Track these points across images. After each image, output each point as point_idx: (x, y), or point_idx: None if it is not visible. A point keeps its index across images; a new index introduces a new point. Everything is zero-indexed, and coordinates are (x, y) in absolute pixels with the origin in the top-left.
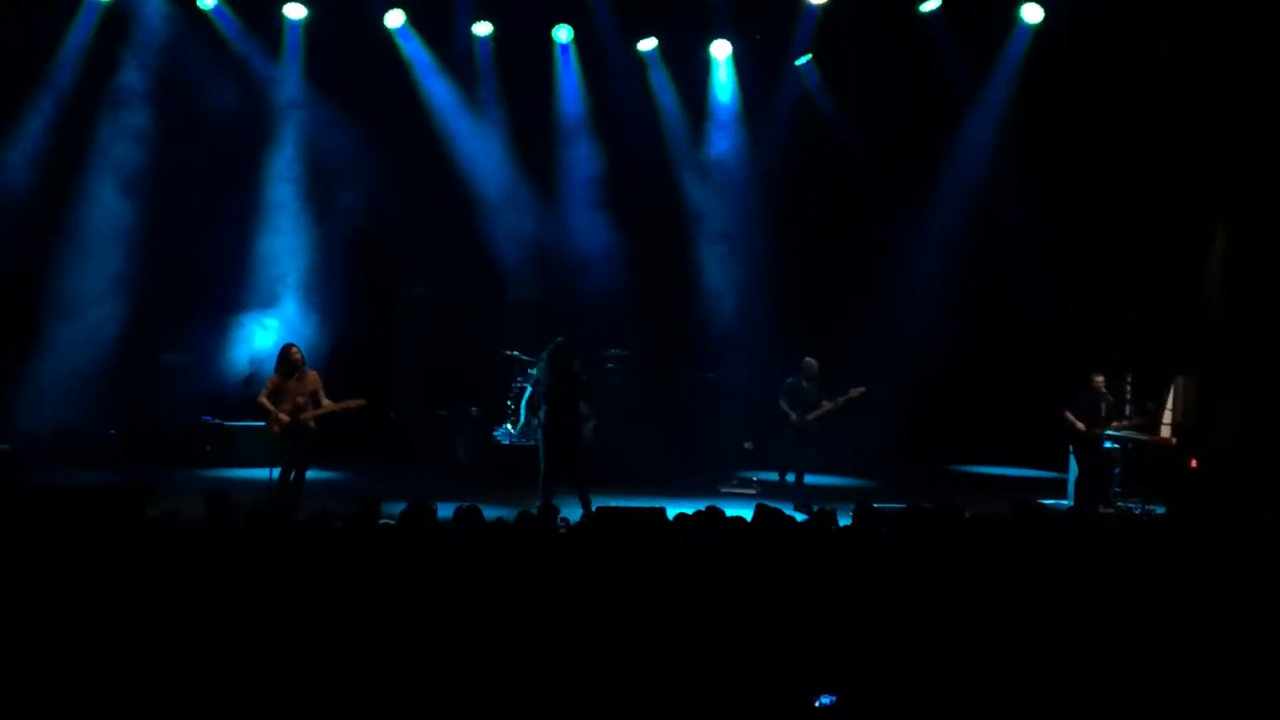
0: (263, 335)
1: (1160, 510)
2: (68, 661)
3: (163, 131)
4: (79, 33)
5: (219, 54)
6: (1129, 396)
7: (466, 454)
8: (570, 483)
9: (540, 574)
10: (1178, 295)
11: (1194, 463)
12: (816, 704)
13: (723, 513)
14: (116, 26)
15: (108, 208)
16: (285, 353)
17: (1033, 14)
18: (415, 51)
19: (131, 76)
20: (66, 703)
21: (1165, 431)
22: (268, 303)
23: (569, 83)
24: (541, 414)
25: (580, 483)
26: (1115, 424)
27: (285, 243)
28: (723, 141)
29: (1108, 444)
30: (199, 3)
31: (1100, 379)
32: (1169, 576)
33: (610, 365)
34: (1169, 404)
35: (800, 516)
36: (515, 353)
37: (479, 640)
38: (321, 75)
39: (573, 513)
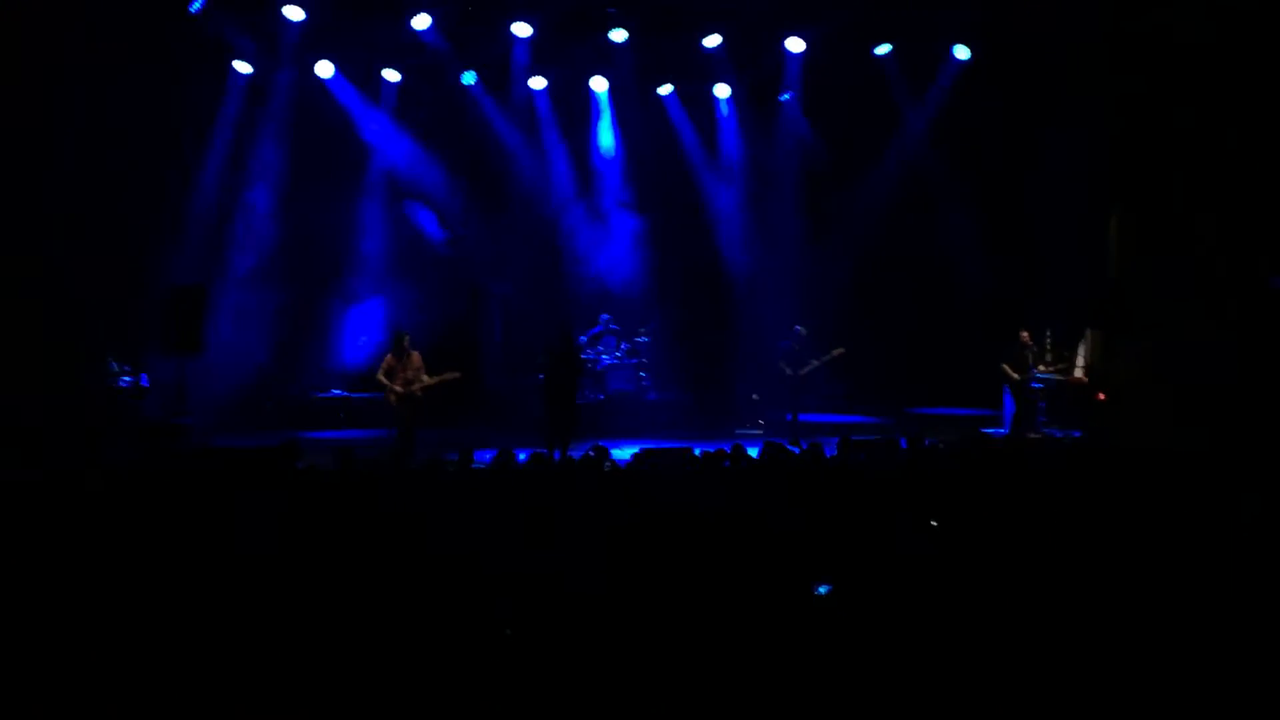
0: (374, 329)
1: (1076, 434)
2: (243, 579)
3: (299, 164)
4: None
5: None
6: (1049, 346)
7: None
8: (563, 430)
9: (593, 499)
10: (1085, 266)
11: (1101, 396)
12: (817, 592)
13: (739, 447)
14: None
15: (258, 227)
16: (398, 338)
17: (962, 53)
18: (486, 102)
19: (269, 129)
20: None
21: (1079, 373)
22: (381, 299)
23: (605, 121)
24: (545, 377)
25: (568, 430)
26: (1040, 368)
27: (393, 255)
28: (729, 160)
29: (1035, 384)
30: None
31: (1026, 334)
32: (1085, 484)
33: (645, 338)
34: (1081, 351)
35: (796, 450)
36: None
37: (556, 548)
38: (414, 123)
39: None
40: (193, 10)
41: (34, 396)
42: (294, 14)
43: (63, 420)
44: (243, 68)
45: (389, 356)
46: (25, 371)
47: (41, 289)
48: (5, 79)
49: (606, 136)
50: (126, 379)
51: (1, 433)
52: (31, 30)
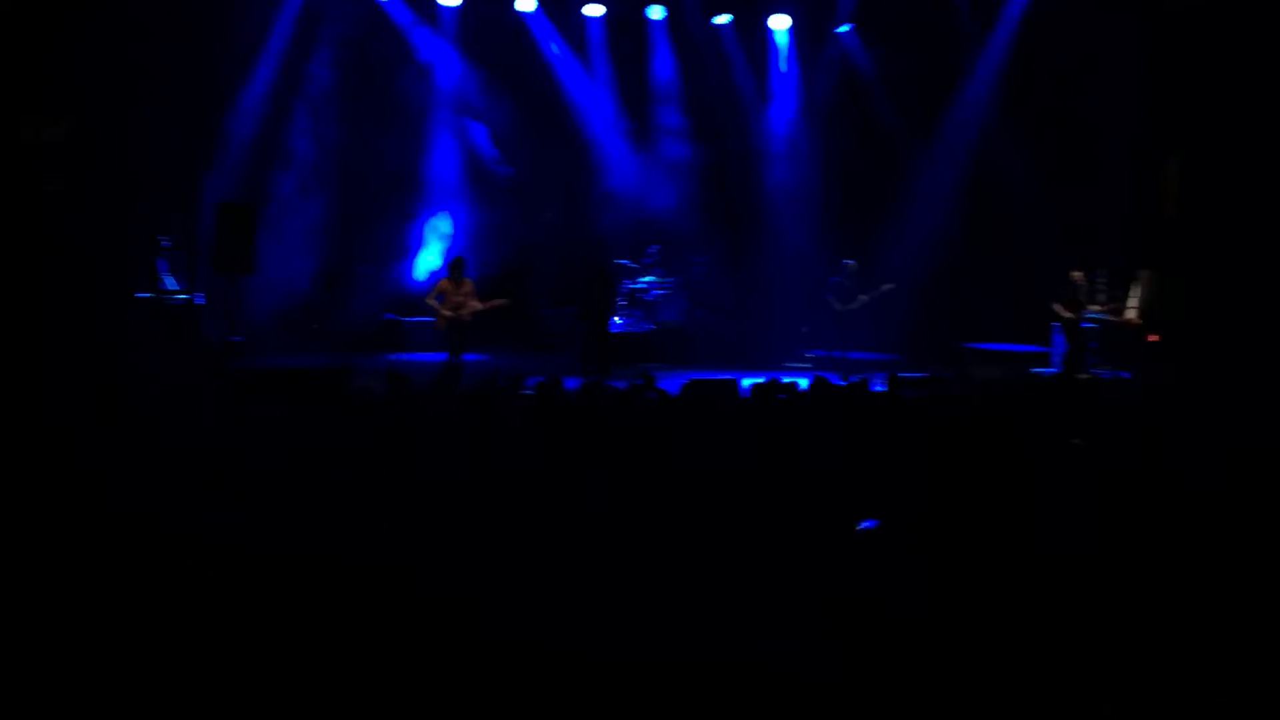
0: (429, 251)
1: (1126, 375)
2: (307, 488)
3: (354, 86)
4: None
5: (393, 38)
6: (1102, 286)
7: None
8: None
9: (644, 424)
10: (1141, 205)
11: (1153, 338)
12: (861, 527)
13: (784, 381)
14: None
15: (311, 150)
16: (455, 263)
17: None
18: (542, 29)
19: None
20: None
21: (1131, 314)
22: (436, 225)
23: (662, 51)
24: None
25: (606, 357)
26: (1091, 307)
27: (451, 181)
28: (783, 93)
29: (1085, 324)
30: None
31: (1078, 274)
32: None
33: (698, 269)
34: (1134, 292)
35: (844, 383)
36: (625, 261)
37: (608, 472)
38: (470, 47)
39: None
40: None
41: (88, 312)
42: None
43: (121, 335)
44: None
45: (442, 280)
46: (76, 287)
47: (93, 205)
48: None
49: (666, 67)
50: (181, 296)
51: (60, 350)
52: None
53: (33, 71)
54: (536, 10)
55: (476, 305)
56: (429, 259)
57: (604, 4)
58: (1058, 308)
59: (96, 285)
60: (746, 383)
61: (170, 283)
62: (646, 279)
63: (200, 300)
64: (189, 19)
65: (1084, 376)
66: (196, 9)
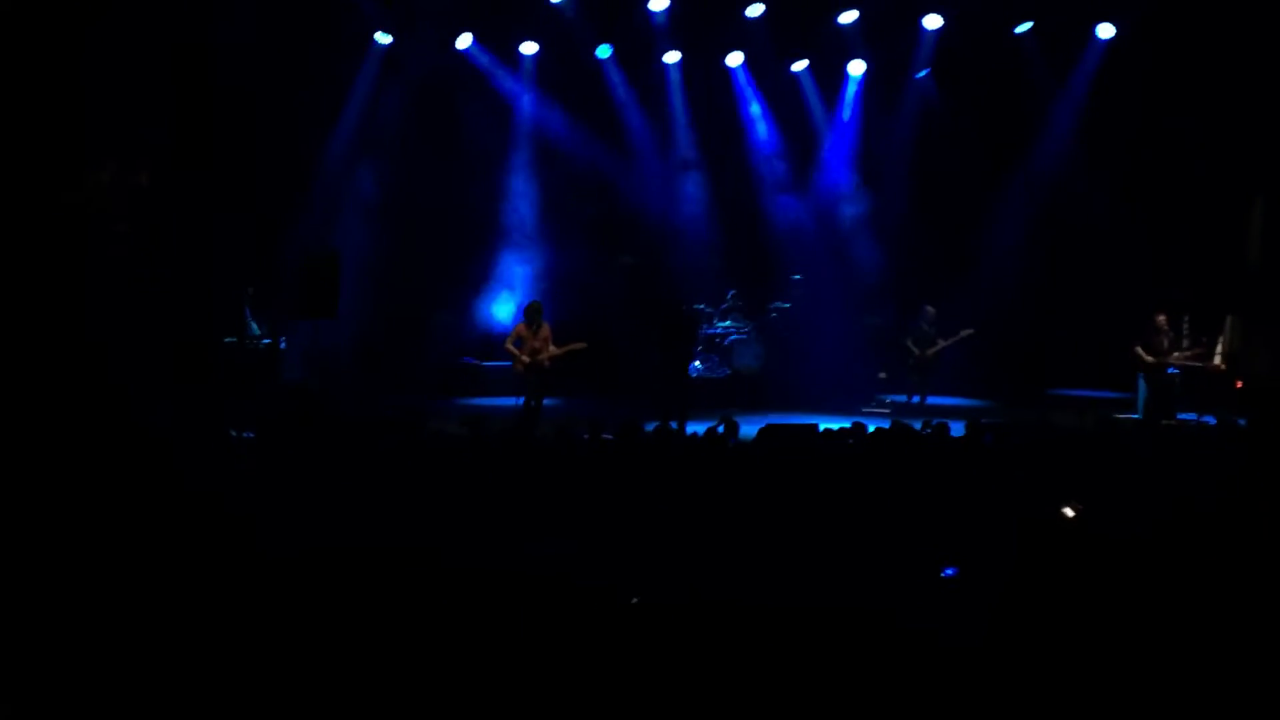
0: (506, 298)
1: (1212, 421)
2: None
3: (437, 132)
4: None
5: (473, 83)
6: (1186, 331)
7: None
8: (676, 402)
9: (723, 470)
10: (1226, 250)
11: (1239, 384)
12: (944, 574)
13: (865, 427)
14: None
15: (391, 195)
16: (532, 308)
17: (1106, 31)
18: (620, 75)
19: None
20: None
21: (1217, 360)
22: (514, 271)
23: (739, 96)
24: (661, 352)
25: (682, 402)
26: (1176, 355)
27: (529, 225)
28: (861, 137)
29: (1170, 370)
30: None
31: (1162, 318)
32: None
33: (775, 314)
34: (1219, 338)
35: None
36: (702, 305)
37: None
38: (550, 93)
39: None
40: None
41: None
42: None
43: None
44: (383, 38)
45: (519, 325)
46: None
47: (187, 254)
48: (154, 49)
49: (743, 112)
50: (266, 340)
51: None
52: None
53: (116, 118)
54: (612, 56)
55: (554, 350)
56: (506, 304)
57: (680, 50)
58: (1139, 351)
59: (184, 330)
60: (824, 427)
61: (255, 327)
62: (723, 324)
63: (283, 345)
64: (274, 66)
65: (1168, 423)
66: (282, 57)
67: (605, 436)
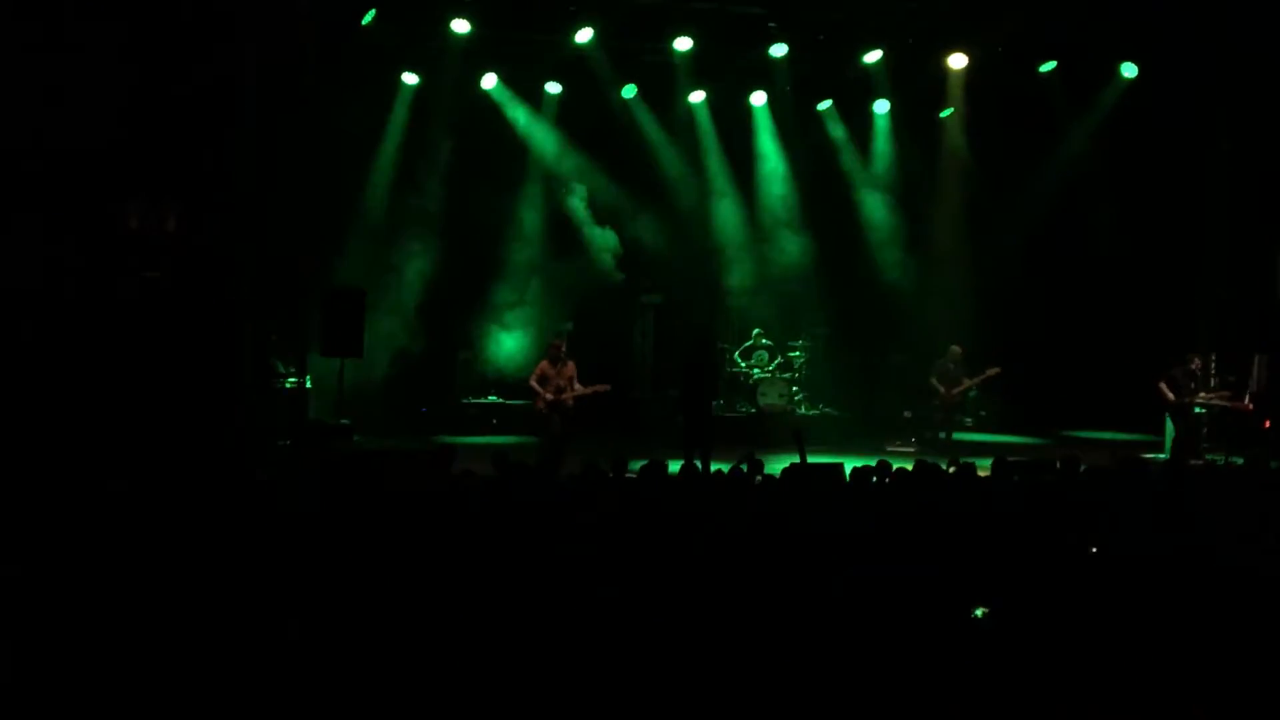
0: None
1: (1239, 461)
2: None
3: (462, 170)
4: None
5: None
6: (1213, 371)
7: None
8: (702, 441)
9: (745, 508)
10: (1254, 289)
11: (1267, 424)
12: (975, 614)
13: (890, 465)
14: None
15: (416, 232)
16: (555, 347)
17: (1129, 70)
18: (645, 115)
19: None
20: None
21: (1245, 400)
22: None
23: (763, 135)
24: (683, 387)
25: (708, 441)
26: (1204, 394)
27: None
28: (884, 175)
29: (1197, 409)
30: (481, 85)
31: (1198, 362)
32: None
33: (796, 353)
34: (1250, 378)
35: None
36: (724, 345)
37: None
38: (575, 133)
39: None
40: (363, 24)
41: (205, 398)
42: (460, 27)
43: (231, 422)
44: (410, 79)
45: (543, 363)
46: (199, 374)
47: (214, 293)
48: (181, 87)
49: (767, 151)
50: (293, 379)
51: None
52: (210, 42)
53: (147, 160)
54: (636, 96)
55: (578, 388)
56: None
57: (706, 90)
58: (1163, 387)
59: (211, 371)
60: (849, 466)
61: (280, 367)
62: (749, 362)
63: (309, 384)
64: (303, 108)
65: (1196, 463)
66: (312, 98)
67: (628, 475)
